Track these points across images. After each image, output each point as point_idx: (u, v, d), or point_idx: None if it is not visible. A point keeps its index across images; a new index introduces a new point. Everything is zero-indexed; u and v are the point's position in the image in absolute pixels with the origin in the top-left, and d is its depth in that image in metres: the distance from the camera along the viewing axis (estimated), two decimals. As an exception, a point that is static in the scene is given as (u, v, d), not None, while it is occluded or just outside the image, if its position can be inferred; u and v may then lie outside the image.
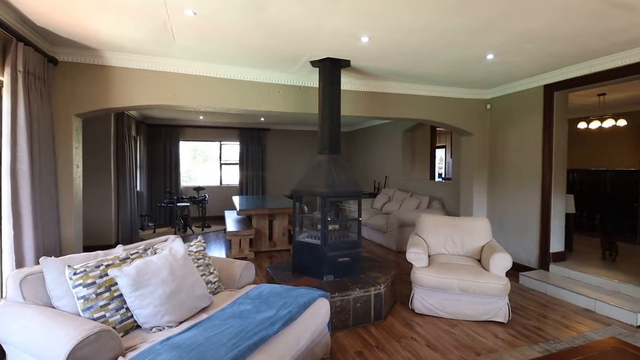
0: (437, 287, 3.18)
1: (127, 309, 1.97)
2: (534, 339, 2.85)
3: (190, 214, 7.83)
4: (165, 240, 2.64)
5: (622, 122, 6.09)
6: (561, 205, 4.37)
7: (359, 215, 3.52)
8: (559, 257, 4.32)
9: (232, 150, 9.32)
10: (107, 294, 1.94)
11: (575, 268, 4.05)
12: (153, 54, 3.45)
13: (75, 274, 1.89)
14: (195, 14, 2.54)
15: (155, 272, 2.06)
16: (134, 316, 1.97)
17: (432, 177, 7.57)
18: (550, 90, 4.23)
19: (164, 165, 8.36)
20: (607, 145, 7.58)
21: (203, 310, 2.24)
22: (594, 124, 6.30)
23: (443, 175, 11.49)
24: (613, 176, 6.57)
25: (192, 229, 7.24)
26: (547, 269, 4.25)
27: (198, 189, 7.60)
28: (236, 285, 2.66)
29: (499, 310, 3.11)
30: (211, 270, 2.53)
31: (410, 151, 7.64)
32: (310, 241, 3.42)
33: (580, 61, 3.67)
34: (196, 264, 2.45)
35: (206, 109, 3.96)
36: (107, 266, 2.02)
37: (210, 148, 9.32)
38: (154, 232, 7.19)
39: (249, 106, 4.00)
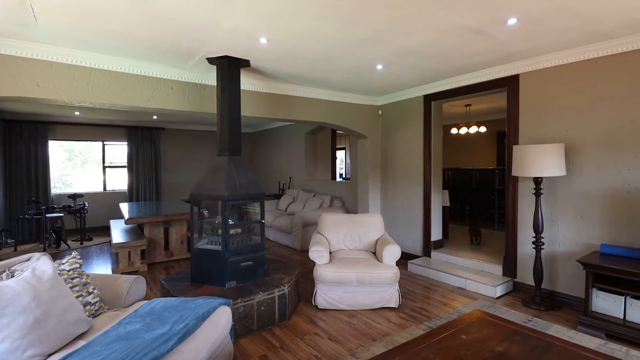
0: (338, 282, 3.35)
1: (-28, 348, 1.59)
2: (420, 319, 3.21)
3: (65, 226, 6.72)
4: (28, 260, 2.21)
5: (483, 129, 7.34)
6: (439, 200, 5.04)
7: (262, 218, 3.48)
8: (438, 245, 4.98)
9: (119, 151, 8.30)
10: (-62, 335, 1.53)
11: (451, 253, 4.71)
12: (7, 35, 2.85)
13: None
14: (63, -7, 2.18)
15: (13, 299, 1.70)
16: (-18, 356, 1.60)
17: (334, 177, 7.96)
18: (428, 99, 4.83)
19: (28, 170, 6.99)
20: (473, 147, 9.05)
21: (80, 336, 1.94)
22: (463, 130, 7.45)
23: (344, 175, 12.17)
24: (477, 174, 7.85)
25: (67, 244, 6.21)
26: (430, 256, 4.85)
27: (75, 196, 6.55)
28: (123, 303, 2.37)
29: (391, 297, 3.42)
30: (90, 290, 2.20)
31: (313, 152, 7.90)
32: (210, 247, 3.25)
33: (451, 76, 4.28)
34: (70, 285, 2.11)
35: (82, 104, 3.44)
36: (-62, 299, 1.60)
37: (90, 149, 8.12)
38: (15, 250, 5.96)
39: (137, 103, 3.61)
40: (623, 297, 2.79)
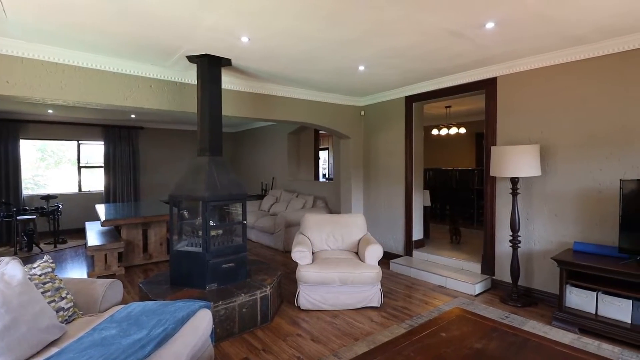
0: (321, 282, 3.34)
1: None
2: (402, 318, 3.25)
3: (38, 228, 6.46)
4: (-4, 264, 2.11)
5: (463, 130, 7.48)
6: (420, 200, 5.11)
7: (244, 218, 3.44)
8: (420, 244, 5.05)
9: (95, 150, 8.03)
10: None
11: (432, 252, 4.79)
12: (-27, 28, 2.72)
13: None
14: (33, -15, 2.09)
15: (-22, 306, 1.62)
16: (-56, 368, 1.51)
17: (317, 177, 7.95)
18: (410, 101, 4.89)
19: (-3, 170, 6.69)
20: (453, 148, 9.22)
21: (53, 343, 1.87)
22: (443, 131, 7.58)
23: (327, 176, 12.19)
24: (457, 174, 8.00)
25: (40, 247, 5.97)
26: (411, 255, 4.91)
27: (48, 197, 6.31)
28: (98, 308, 2.29)
29: (374, 296, 3.44)
30: (63, 295, 2.12)
31: (296, 153, 7.87)
32: (190, 249, 3.19)
33: (433, 78, 4.35)
34: (41, 289, 2.02)
35: (55, 101, 3.31)
36: None
37: (64, 148, 7.83)
38: (-17, 253, 5.69)
39: (114, 101, 3.51)
40: (595, 293, 2.90)
